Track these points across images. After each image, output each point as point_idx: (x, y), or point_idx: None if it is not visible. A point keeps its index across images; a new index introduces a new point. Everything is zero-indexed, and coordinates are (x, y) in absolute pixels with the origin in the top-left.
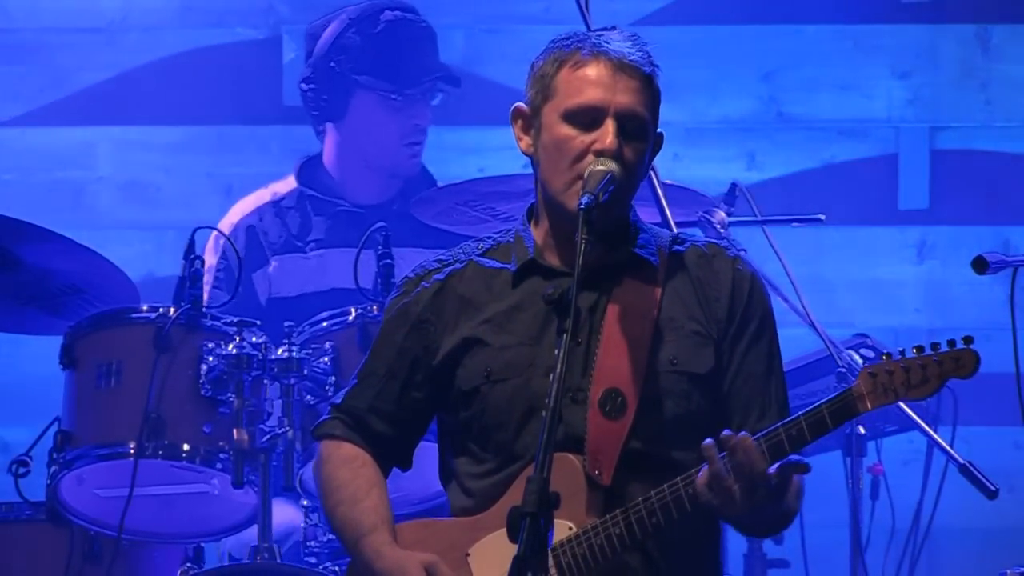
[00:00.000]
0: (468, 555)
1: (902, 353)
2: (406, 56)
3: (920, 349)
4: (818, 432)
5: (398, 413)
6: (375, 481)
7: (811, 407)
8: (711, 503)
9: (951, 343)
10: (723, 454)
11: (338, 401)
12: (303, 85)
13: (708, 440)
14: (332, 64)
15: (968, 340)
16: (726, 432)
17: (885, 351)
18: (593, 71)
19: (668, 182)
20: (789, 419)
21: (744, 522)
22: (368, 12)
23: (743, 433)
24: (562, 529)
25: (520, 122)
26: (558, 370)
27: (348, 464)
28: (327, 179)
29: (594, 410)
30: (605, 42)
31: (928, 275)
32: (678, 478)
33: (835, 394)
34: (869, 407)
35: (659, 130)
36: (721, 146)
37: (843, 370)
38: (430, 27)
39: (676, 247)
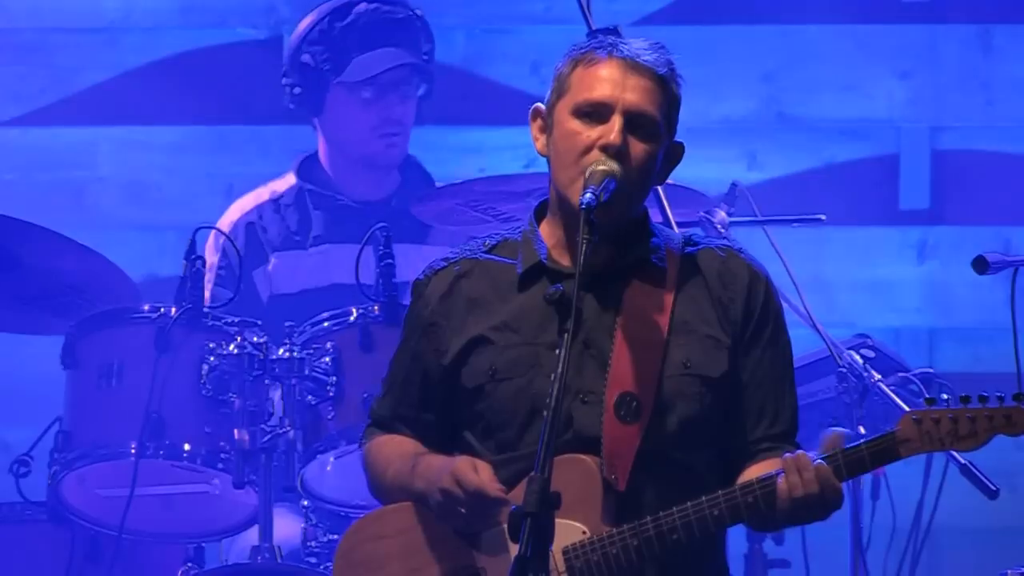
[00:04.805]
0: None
1: (947, 401)
2: (375, 47)
3: (966, 399)
4: (856, 471)
5: (420, 417)
6: (421, 447)
7: (851, 445)
8: (786, 509)
9: (1000, 398)
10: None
11: (369, 413)
12: (283, 80)
13: (788, 456)
14: (303, 58)
15: (1019, 397)
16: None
17: (928, 395)
18: (605, 69)
19: (668, 182)
20: (836, 451)
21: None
22: (342, 4)
23: (819, 461)
24: (575, 532)
25: (538, 122)
26: (559, 370)
27: (392, 441)
28: (324, 175)
29: (609, 414)
30: (623, 43)
31: (929, 275)
32: (703, 498)
33: (877, 435)
34: (912, 453)
35: (678, 140)
36: (721, 146)
37: (843, 370)
38: (410, 18)
39: (688, 248)
